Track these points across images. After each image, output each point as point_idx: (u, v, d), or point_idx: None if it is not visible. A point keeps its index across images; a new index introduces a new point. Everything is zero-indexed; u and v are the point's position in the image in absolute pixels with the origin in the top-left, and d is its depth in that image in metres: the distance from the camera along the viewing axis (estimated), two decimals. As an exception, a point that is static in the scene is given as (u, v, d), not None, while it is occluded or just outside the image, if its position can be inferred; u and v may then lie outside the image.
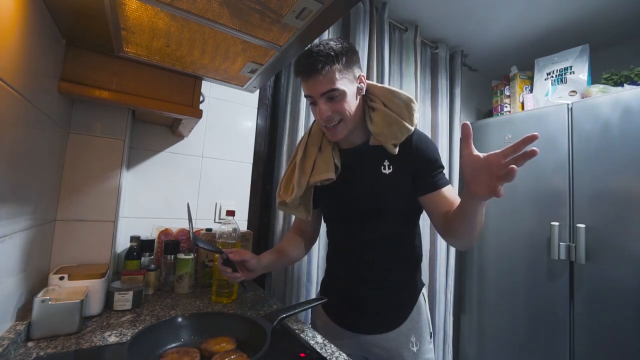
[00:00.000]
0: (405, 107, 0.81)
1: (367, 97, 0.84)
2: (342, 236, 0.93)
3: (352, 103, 0.78)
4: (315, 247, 1.38)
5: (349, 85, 0.76)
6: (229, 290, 0.98)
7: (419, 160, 0.81)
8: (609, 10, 1.63)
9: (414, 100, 0.82)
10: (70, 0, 0.62)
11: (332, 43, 0.75)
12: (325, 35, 1.48)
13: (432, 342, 0.89)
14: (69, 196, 0.90)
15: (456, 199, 0.78)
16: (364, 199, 0.85)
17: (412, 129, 0.81)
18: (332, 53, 0.73)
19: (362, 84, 0.81)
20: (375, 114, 0.82)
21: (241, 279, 0.83)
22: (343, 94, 0.75)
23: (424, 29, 1.86)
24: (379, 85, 0.85)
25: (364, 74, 0.84)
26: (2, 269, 0.59)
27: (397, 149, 0.80)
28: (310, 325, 0.98)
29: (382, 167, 0.82)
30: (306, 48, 0.76)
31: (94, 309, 0.79)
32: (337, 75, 0.73)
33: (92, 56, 0.80)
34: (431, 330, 0.89)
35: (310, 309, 1.36)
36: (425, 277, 1.74)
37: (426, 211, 0.84)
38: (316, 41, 0.75)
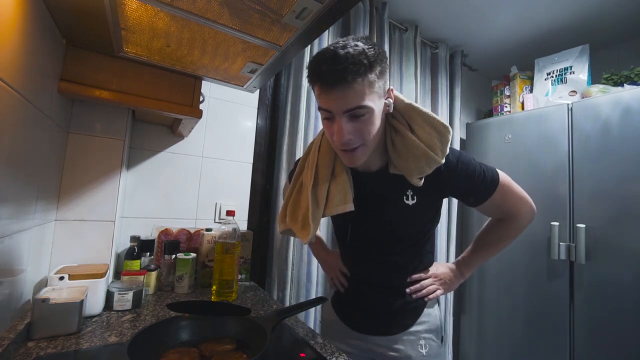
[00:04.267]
0: (438, 137, 0.67)
1: (390, 114, 0.70)
2: (352, 248, 0.88)
3: (377, 123, 0.64)
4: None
5: (377, 102, 0.63)
6: (229, 290, 0.98)
7: (454, 187, 0.73)
8: (609, 10, 1.63)
9: (450, 130, 0.68)
10: (70, 0, 0.62)
11: (361, 45, 0.59)
12: (325, 35, 1.48)
13: (443, 346, 0.87)
14: (69, 196, 0.90)
15: (508, 199, 0.77)
16: (382, 229, 0.78)
17: (442, 161, 0.67)
18: (366, 61, 0.58)
19: (390, 99, 0.67)
20: (399, 140, 0.69)
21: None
22: (371, 112, 0.62)
23: (424, 29, 1.87)
24: (407, 101, 0.70)
25: None
26: (2, 269, 0.59)
27: (422, 181, 0.69)
28: (319, 322, 0.98)
29: (405, 197, 0.72)
30: (328, 48, 0.61)
31: (94, 309, 0.79)
32: (368, 90, 0.60)
33: (92, 56, 0.80)
34: (443, 334, 0.87)
35: (313, 311, 1.37)
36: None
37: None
38: (339, 40, 0.62)
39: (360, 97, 0.59)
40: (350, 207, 0.71)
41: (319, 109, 0.65)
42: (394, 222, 0.77)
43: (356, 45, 0.59)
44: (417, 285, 0.82)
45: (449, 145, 0.68)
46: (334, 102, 0.60)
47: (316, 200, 0.73)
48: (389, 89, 0.67)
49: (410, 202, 0.73)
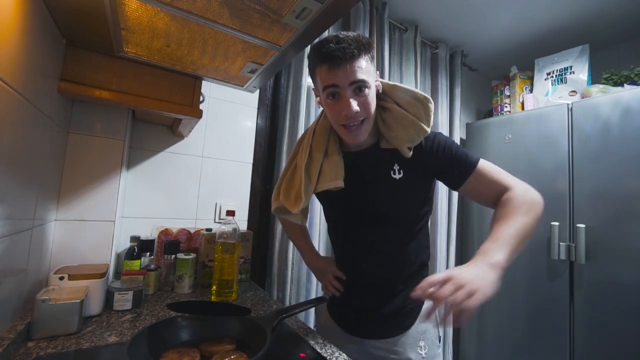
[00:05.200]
0: (422, 108, 0.74)
1: (378, 96, 0.77)
2: (344, 240, 0.89)
3: (374, 101, 0.72)
4: (315, 247, 1.38)
5: (372, 81, 0.71)
6: (229, 290, 0.98)
7: (435, 161, 0.76)
8: (609, 10, 1.63)
9: (431, 100, 0.75)
10: (70, 0, 0.62)
11: (355, 33, 0.69)
12: (325, 36, 1.48)
13: (441, 347, 0.84)
14: (69, 196, 0.90)
15: (494, 174, 0.74)
16: (371, 207, 0.80)
17: (429, 130, 0.74)
18: (364, 41, 0.68)
19: (378, 82, 0.76)
20: (388, 115, 0.76)
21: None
22: (370, 88, 0.70)
23: (424, 29, 1.86)
24: (391, 83, 0.78)
25: None
26: (2, 269, 0.59)
27: (411, 152, 0.75)
28: (313, 327, 0.97)
29: (392, 172, 0.76)
30: (327, 35, 0.69)
31: (94, 309, 0.79)
32: (367, 68, 0.68)
33: (92, 56, 0.80)
34: (440, 335, 0.85)
35: (313, 311, 1.37)
36: (425, 277, 1.74)
37: (472, 199, 0.80)
38: (327, 34, 0.69)
39: (362, 72, 0.67)
40: (340, 183, 0.76)
41: (325, 88, 0.69)
42: (381, 197, 0.78)
43: (351, 33, 0.69)
44: (428, 306, 0.72)
45: (432, 115, 0.75)
46: (343, 75, 0.66)
47: (309, 177, 0.79)
48: (377, 73, 0.75)
49: (397, 176, 0.76)
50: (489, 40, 1.96)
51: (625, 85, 1.55)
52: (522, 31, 1.84)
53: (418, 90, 0.75)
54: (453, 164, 0.75)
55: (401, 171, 0.76)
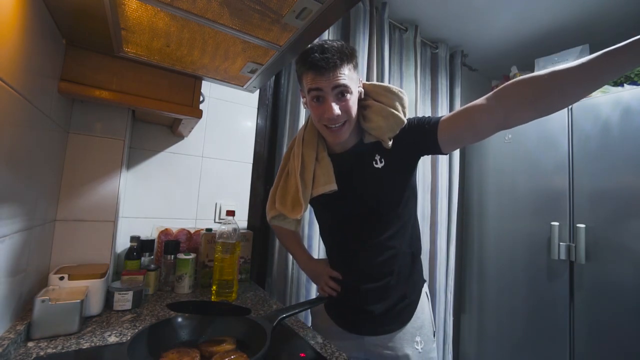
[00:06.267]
0: (397, 99, 0.80)
1: (359, 99, 0.83)
2: (337, 238, 0.91)
3: (355, 105, 0.78)
4: (315, 247, 1.38)
5: (355, 87, 0.77)
6: (229, 290, 0.98)
7: (410, 136, 0.79)
8: (609, 10, 1.63)
9: (405, 93, 0.82)
10: (70, 0, 0.62)
11: (339, 43, 0.74)
12: (325, 36, 1.48)
13: (436, 341, 0.89)
14: (69, 196, 0.90)
15: (462, 108, 0.77)
16: (359, 199, 0.83)
17: (406, 120, 0.80)
18: (347, 52, 0.74)
19: (360, 88, 0.82)
20: (368, 112, 0.81)
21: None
22: (352, 94, 0.75)
23: (424, 29, 1.86)
24: (369, 82, 0.84)
25: (364, 74, 0.83)
26: (2, 269, 0.59)
27: (391, 143, 0.80)
28: (311, 326, 0.97)
29: (374, 162, 0.81)
30: (313, 44, 0.74)
31: (94, 309, 0.79)
32: (349, 75, 0.74)
33: (92, 56, 0.80)
34: (435, 329, 0.89)
35: (309, 310, 1.37)
36: (425, 276, 1.74)
37: (459, 136, 0.78)
38: (317, 40, 0.74)
39: (344, 79, 0.73)
40: (334, 186, 0.80)
41: (310, 90, 0.74)
42: (365, 187, 0.82)
43: (336, 41, 0.74)
44: None
45: (407, 107, 0.81)
46: (326, 81, 0.72)
47: (304, 183, 0.83)
48: (360, 80, 0.82)
49: (379, 165, 0.81)
50: (489, 40, 1.96)
51: (625, 85, 1.54)
52: (522, 31, 1.84)
53: (392, 85, 0.82)
54: (422, 123, 0.80)
55: (382, 160, 0.81)
